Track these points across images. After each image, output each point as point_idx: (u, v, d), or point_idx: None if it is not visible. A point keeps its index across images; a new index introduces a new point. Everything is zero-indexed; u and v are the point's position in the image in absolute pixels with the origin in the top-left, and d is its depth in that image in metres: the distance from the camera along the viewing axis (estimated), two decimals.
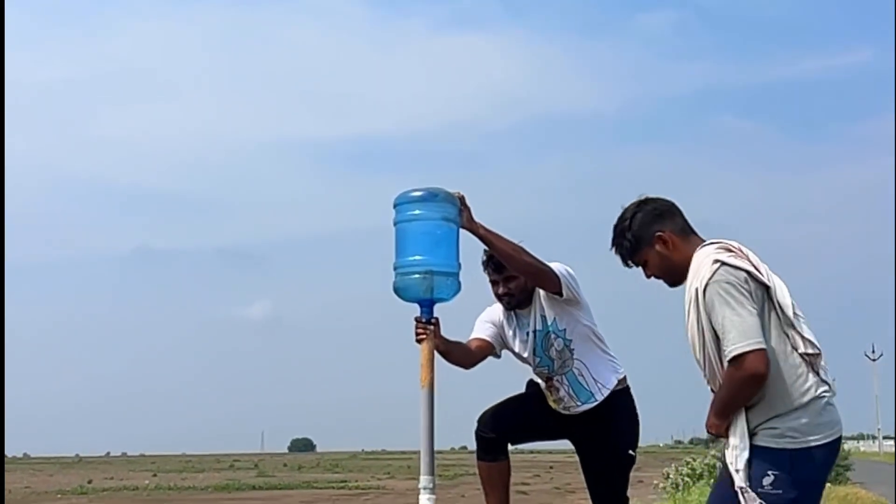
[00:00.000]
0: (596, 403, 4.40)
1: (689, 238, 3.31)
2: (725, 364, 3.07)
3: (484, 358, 4.47)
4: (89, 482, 30.22)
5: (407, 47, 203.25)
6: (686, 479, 16.19)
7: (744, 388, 3.05)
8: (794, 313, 3.15)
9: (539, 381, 4.56)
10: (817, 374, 3.13)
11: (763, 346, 3.01)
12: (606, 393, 4.41)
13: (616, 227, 3.38)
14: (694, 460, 20.36)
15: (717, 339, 3.10)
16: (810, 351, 3.12)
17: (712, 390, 3.23)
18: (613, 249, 3.40)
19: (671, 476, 16.32)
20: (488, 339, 4.46)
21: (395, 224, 4.02)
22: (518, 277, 4.37)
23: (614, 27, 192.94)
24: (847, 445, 19.61)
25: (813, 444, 3.05)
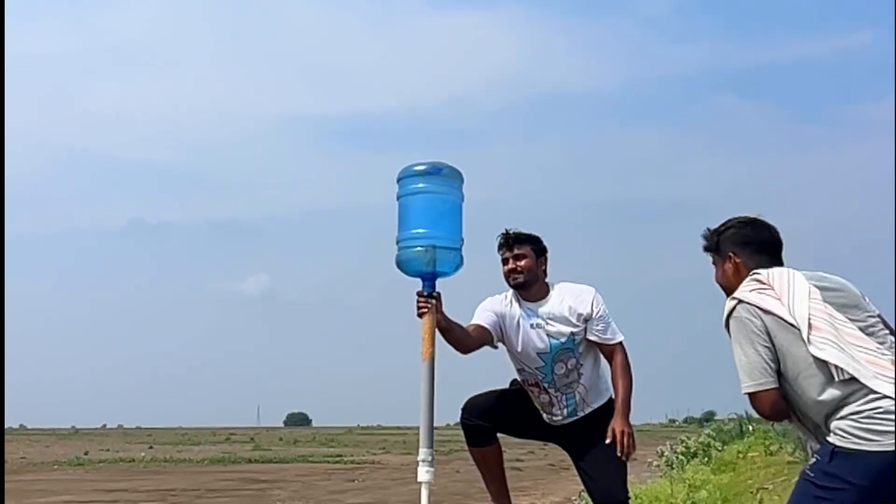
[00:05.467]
0: (577, 418, 4.48)
1: None
2: None
3: (481, 345, 4.37)
4: (86, 454, 30.32)
5: (407, 24, 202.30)
6: (680, 457, 16.30)
7: (764, 418, 3.33)
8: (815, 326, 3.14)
9: (520, 378, 4.54)
10: (863, 384, 3.07)
11: (766, 386, 3.13)
12: (589, 411, 4.49)
13: (718, 226, 3.53)
14: (688, 439, 20.49)
15: None
16: (849, 372, 3.09)
17: None
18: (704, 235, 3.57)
19: (666, 454, 16.44)
20: (488, 326, 4.38)
21: (398, 198, 4.03)
22: (528, 256, 4.41)
23: (614, 6, 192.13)
24: None
25: (859, 447, 3.02)
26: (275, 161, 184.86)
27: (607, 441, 4.29)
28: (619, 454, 4.26)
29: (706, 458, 17.28)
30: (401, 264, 4.01)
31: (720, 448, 19.13)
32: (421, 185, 3.98)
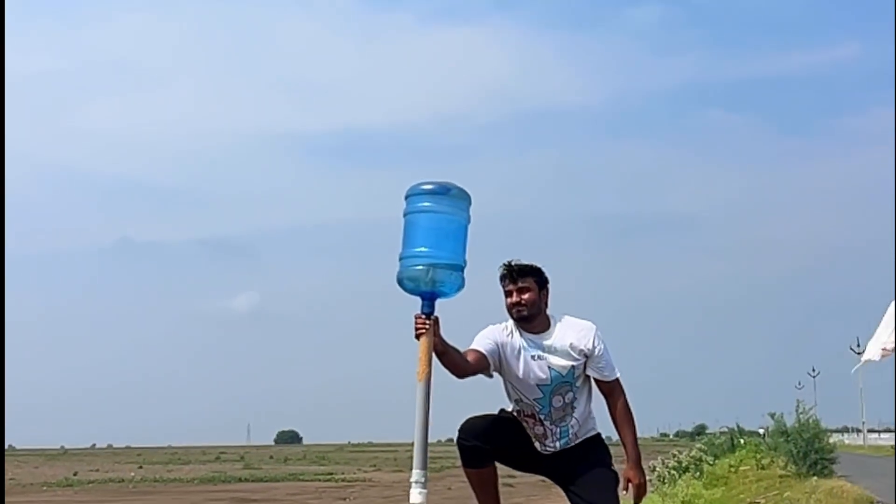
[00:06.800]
0: (567, 448, 4.49)
1: None
2: None
3: (477, 371, 4.30)
4: (75, 474, 30.19)
5: (395, 40, 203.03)
6: (672, 471, 16.31)
7: None
8: None
9: (515, 408, 4.51)
10: None
11: None
12: (577, 442, 4.50)
13: None
14: (680, 453, 20.50)
15: None
16: None
17: None
18: None
19: (657, 469, 16.44)
20: (486, 353, 4.31)
21: (404, 215, 4.03)
22: (531, 290, 4.38)
23: (602, 21, 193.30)
24: (832, 439, 19.74)
25: None
26: (264, 178, 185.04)
27: (623, 490, 4.39)
28: None
29: (698, 473, 17.30)
30: (401, 282, 3.99)
31: (712, 462, 19.15)
32: (427, 203, 3.97)
